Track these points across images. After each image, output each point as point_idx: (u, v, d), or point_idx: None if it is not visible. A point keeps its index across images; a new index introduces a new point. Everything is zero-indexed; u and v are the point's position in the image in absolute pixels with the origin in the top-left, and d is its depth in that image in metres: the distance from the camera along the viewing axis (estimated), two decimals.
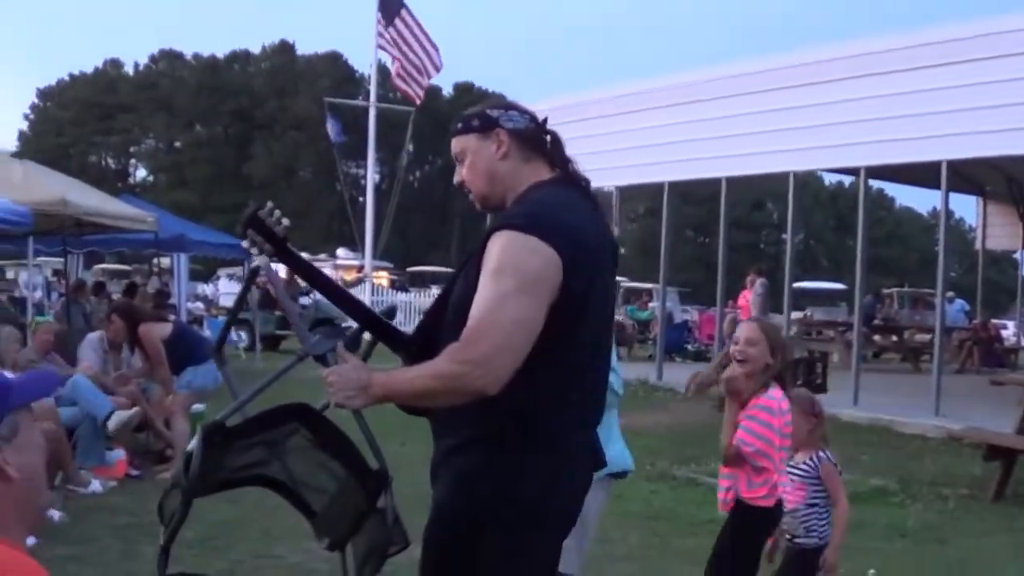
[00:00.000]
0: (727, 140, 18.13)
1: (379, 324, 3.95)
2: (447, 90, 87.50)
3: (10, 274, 38.45)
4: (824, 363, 11.81)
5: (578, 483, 3.72)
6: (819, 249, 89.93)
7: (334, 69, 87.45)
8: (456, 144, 3.81)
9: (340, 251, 47.15)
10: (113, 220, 17.84)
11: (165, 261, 27.48)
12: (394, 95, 69.73)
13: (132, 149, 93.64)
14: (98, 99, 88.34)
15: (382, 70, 47.59)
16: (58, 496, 9.39)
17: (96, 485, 10.05)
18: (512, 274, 3.38)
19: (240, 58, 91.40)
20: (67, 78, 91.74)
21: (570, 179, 3.78)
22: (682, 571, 8.20)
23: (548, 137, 3.81)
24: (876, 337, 27.56)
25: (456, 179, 3.86)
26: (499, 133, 3.72)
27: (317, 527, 3.99)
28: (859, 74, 16.08)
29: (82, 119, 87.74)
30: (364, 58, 46.81)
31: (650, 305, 33.97)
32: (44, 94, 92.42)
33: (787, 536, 6.04)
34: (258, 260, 3.76)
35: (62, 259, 23.93)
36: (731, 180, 19.39)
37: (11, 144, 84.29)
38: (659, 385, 19.07)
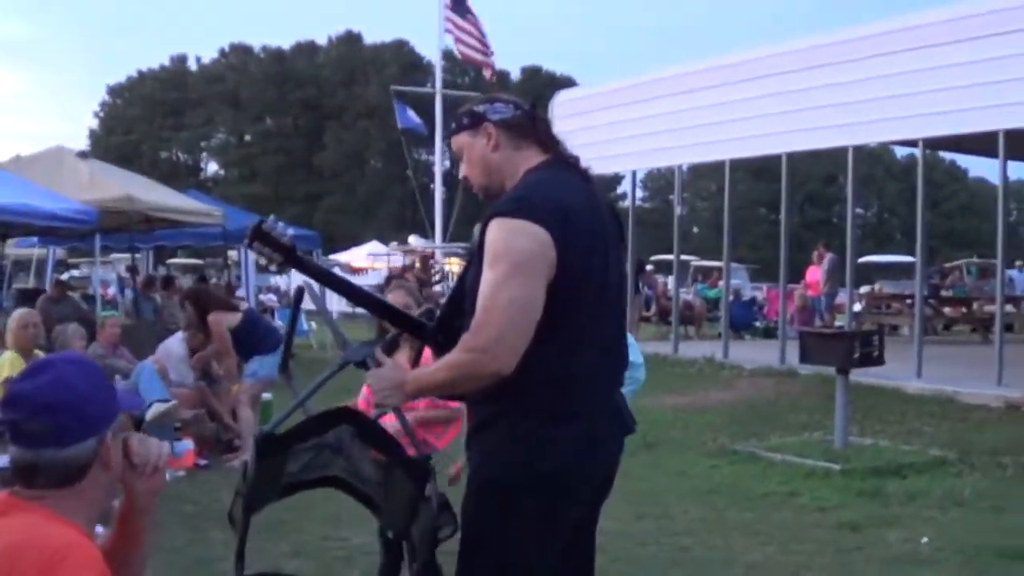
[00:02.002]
0: (786, 116, 18.06)
1: (403, 318, 4.17)
2: (515, 74, 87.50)
3: (85, 271, 39.05)
4: (881, 336, 11.79)
5: (606, 448, 3.90)
6: (893, 222, 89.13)
7: (400, 56, 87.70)
8: (454, 144, 4.06)
9: (411, 238, 47.38)
10: (180, 215, 18.16)
11: (235, 254, 27.82)
12: (462, 80, 70.22)
13: (203, 144, 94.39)
14: (167, 95, 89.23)
15: (448, 56, 47.84)
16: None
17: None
18: (505, 259, 3.57)
19: (306, 49, 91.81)
20: (136, 75, 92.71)
21: (560, 159, 3.94)
22: (739, 544, 8.33)
23: (536, 123, 3.98)
24: (946, 309, 27.34)
25: (461, 175, 4.08)
26: (487, 127, 3.92)
27: (383, 519, 4.17)
28: (915, 46, 15.97)
29: (152, 115, 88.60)
30: (430, 45, 47.18)
31: (720, 283, 33.96)
32: (114, 91, 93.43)
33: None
34: (301, 282, 4.02)
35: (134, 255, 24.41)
36: (792, 156, 19.34)
37: (82, 142, 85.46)
38: (725, 363, 19.08)
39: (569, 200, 3.74)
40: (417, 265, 31.81)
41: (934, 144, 18.84)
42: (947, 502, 9.44)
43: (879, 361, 11.33)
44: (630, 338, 4.46)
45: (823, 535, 8.52)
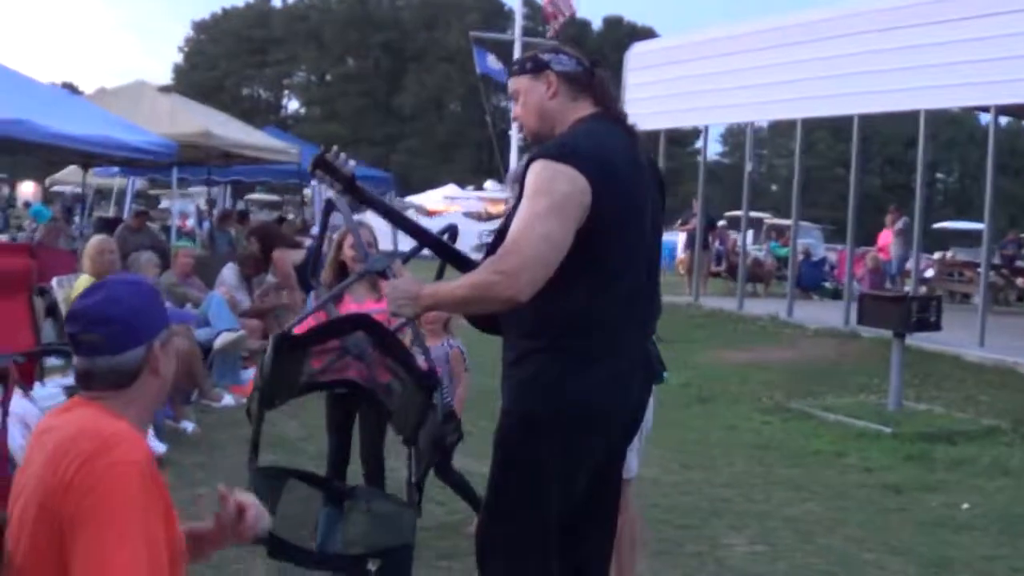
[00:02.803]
0: (858, 77, 17.90)
1: (447, 249, 4.38)
2: (596, 24, 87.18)
3: (165, 203, 39.56)
4: (939, 302, 11.84)
5: (631, 390, 4.08)
6: (974, 189, 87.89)
7: (482, 2, 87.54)
8: (512, 84, 4.22)
9: (488, 184, 47.57)
10: (256, 152, 18.45)
11: (310, 192, 28.12)
12: (543, 28, 70.00)
13: (284, 82, 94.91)
14: (250, 32, 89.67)
15: (528, 3, 47.74)
16: (192, 410, 9.97)
17: (229, 400, 10.62)
18: (545, 196, 3.76)
19: None
20: (221, 12, 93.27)
21: (608, 114, 4.11)
22: (780, 498, 8.49)
23: (595, 79, 4.14)
24: (1020, 280, 27.03)
25: (512, 115, 4.30)
26: (549, 75, 4.10)
27: (394, 425, 4.39)
28: (991, 12, 15.84)
29: (235, 52, 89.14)
30: None
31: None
32: (199, 27, 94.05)
33: None
34: (329, 193, 4.24)
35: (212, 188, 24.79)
36: (864, 117, 19.20)
37: (167, 77, 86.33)
38: (788, 321, 19.07)
39: (610, 151, 3.94)
40: None
41: (1006, 111, 18.65)
42: (994, 470, 9.51)
43: (936, 326, 11.37)
44: None
45: (865, 495, 8.65)
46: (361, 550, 4.04)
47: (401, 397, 4.29)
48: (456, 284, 3.88)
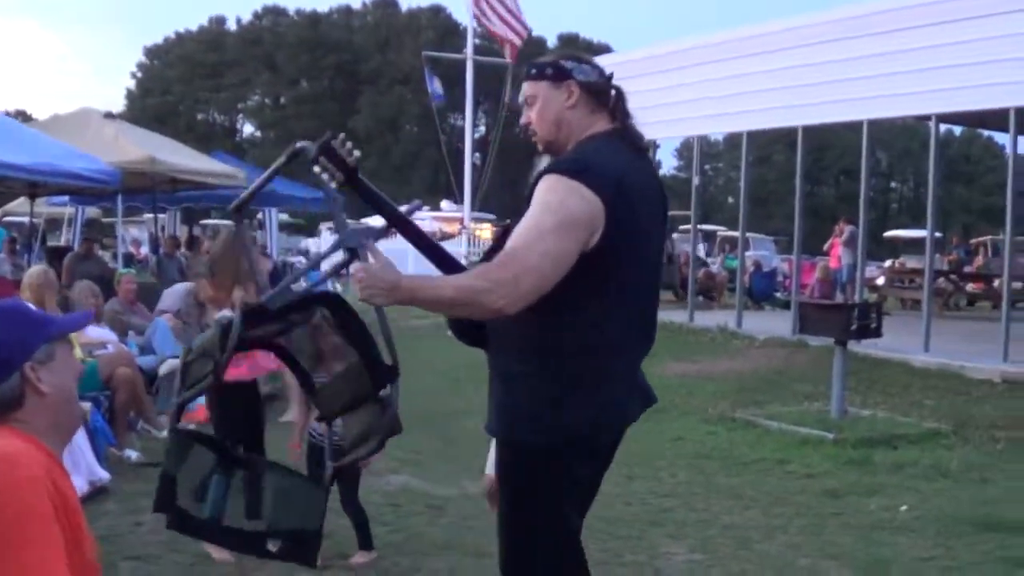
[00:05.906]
0: (800, 90, 18.11)
1: (444, 257, 4.17)
2: (552, 41, 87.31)
3: (120, 231, 39.41)
4: (879, 309, 11.97)
5: (627, 415, 4.01)
6: (928, 197, 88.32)
7: (437, 22, 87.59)
8: (529, 88, 4.07)
9: (444, 204, 47.62)
10: (203, 177, 18.40)
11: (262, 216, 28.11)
12: (497, 47, 70.01)
13: (239, 105, 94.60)
14: (204, 56, 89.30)
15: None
16: (136, 438, 9.95)
17: None
18: (555, 212, 3.64)
19: (341, 13, 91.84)
20: (173, 36, 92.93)
21: (624, 131, 4.00)
22: (721, 506, 8.58)
23: (613, 92, 4.04)
24: (969, 286, 27.27)
25: (523, 120, 4.09)
26: (571, 84, 3.97)
27: (316, 400, 4.29)
28: (927, 23, 16.06)
29: (189, 76, 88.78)
30: (465, 10, 46.44)
31: (747, 254, 33.85)
32: (151, 52, 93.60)
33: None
34: (302, 143, 3.98)
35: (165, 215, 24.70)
36: (810, 129, 19.40)
37: (119, 103, 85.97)
38: (738, 332, 19.18)
39: (625, 173, 3.82)
40: None
41: (948, 119, 18.86)
42: (933, 472, 9.63)
43: (876, 333, 11.48)
44: None
45: (806, 501, 8.75)
46: (262, 527, 3.80)
47: (340, 378, 4.12)
48: (443, 282, 3.68)
